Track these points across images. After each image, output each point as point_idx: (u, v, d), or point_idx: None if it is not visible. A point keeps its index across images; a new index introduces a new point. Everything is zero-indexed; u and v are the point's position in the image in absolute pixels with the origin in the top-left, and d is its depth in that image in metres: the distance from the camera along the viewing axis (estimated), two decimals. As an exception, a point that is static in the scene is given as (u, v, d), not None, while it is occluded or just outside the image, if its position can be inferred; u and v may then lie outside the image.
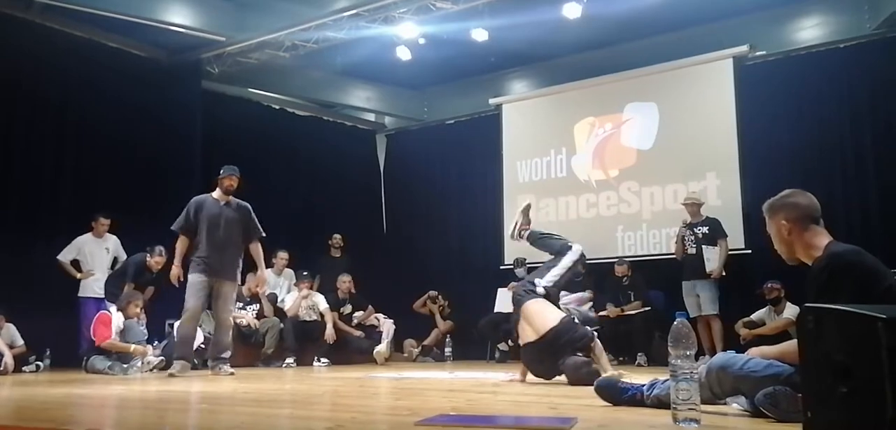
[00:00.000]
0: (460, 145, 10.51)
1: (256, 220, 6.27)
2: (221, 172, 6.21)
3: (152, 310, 7.18)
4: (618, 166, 9.05)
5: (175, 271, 6.06)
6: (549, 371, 4.57)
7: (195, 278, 5.95)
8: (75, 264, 7.44)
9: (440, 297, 9.40)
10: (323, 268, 9.05)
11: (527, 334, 4.64)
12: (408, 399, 3.65)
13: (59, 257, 7.34)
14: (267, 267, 8.54)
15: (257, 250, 6.33)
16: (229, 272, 6.11)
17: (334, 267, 8.98)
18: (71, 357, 6.81)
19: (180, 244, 6.07)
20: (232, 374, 5.84)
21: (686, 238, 7.40)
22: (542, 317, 4.60)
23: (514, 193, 9.69)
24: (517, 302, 4.83)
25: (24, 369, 6.58)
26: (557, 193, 9.41)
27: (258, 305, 7.93)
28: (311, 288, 8.30)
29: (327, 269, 9.02)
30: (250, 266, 7.74)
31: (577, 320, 4.77)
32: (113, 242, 7.62)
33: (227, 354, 6.10)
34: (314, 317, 8.10)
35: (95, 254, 7.47)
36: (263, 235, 6.34)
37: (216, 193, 6.19)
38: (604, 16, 8.08)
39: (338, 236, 9.36)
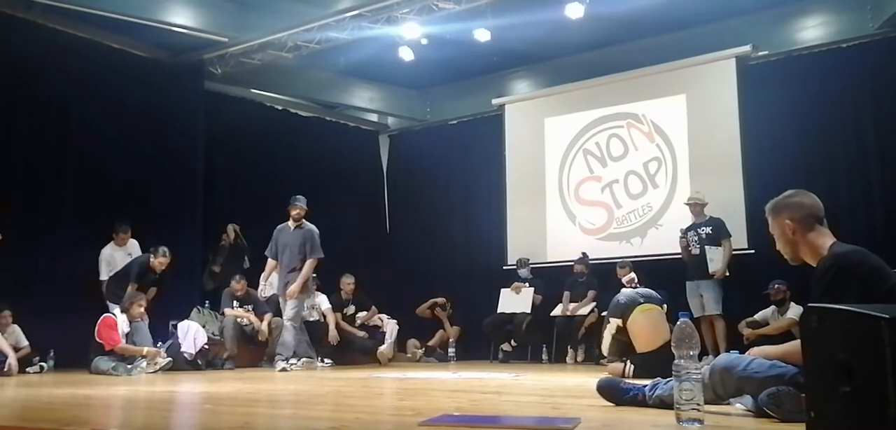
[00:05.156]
0: (463, 146, 10.50)
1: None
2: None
3: (155, 311, 7.19)
4: (621, 166, 9.04)
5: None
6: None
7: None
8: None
9: (447, 302, 9.41)
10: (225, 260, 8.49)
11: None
12: (411, 400, 3.66)
13: (102, 277, 7.44)
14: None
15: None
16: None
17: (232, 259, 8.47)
18: (75, 359, 6.81)
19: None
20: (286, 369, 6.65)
21: (690, 238, 7.39)
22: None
23: (517, 194, 9.69)
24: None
25: (28, 370, 6.59)
26: (559, 193, 9.41)
27: (251, 305, 7.92)
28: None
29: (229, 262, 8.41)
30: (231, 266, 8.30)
31: None
32: (136, 248, 7.66)
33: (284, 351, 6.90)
34: (317, 318, 8.10)
35: (123, 263, 7.49)
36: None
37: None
38: (606, 16, 8.06)
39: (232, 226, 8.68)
